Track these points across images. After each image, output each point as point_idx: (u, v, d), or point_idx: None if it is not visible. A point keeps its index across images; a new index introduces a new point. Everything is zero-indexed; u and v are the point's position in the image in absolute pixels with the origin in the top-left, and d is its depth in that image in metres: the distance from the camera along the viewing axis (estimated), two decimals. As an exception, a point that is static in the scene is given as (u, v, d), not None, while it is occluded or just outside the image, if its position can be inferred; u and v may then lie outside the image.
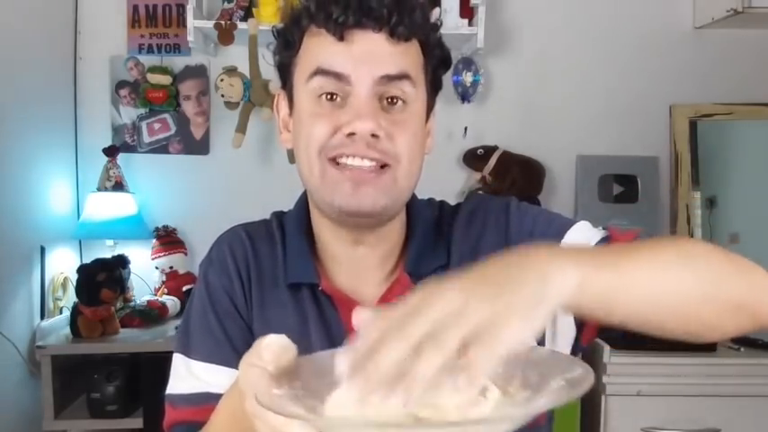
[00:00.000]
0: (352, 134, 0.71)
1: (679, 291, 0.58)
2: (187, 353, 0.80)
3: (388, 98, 0.73)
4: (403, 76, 0.72)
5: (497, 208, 0.83)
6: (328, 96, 0.73)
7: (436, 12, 2.02)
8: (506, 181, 2.22)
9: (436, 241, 0.82)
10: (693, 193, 2.25)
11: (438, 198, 0.90)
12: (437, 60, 0.79)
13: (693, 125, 2.28)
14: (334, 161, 0.73)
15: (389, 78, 0.72)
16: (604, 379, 1.73)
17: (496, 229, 0.81)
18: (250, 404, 0.52)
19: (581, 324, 0.76)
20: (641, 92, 2.30)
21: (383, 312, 0.48)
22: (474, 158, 2.25)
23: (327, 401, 0.51)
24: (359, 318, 0.50)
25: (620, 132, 2.31)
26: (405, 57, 0.73)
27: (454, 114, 2.25)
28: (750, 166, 2.27)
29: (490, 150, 2.24)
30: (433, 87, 0.80)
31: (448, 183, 2.28)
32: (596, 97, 2.31)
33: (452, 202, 0.90)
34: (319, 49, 0.73)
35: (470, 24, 2.11)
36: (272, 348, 0.53)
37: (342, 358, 0.49)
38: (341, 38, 0.71)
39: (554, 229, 0.79)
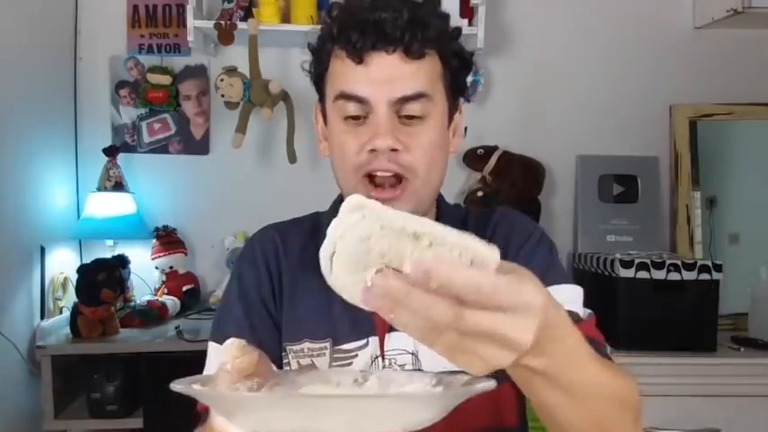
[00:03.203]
0: (374, 150, 0.79)
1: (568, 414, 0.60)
2: (217, 340, 0.86)
3: (405, 115, 0.80)
4: (419, 96, 0.79)
5: (522, 229, 0.89)
6: (352, 118, 0.81)
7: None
8: (506, 181, 2.22)
9: None
10: (693, 193, 2.25)
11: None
12: (457, 66, 0.85)
13: (693, 125, 2.28)
14: (367, 177, 0.81)
15: (405, 99, 0.79)
16: (604, 379, 1.73)
17: (513, 249, 0.86)
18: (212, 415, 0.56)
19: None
20: (641, 92, 2.30)
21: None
22: (474, 158, 2.25)
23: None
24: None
25: (620, 132, 2.31)
26: (420, 75, 0.79)
27: (454, 114, 2.25)
28: (750, 166, 2.27)
29: (490, 150, 2.24)
30: (455, 90, 0.86)
31: (448, 183, 2.24)
32: (596, 97, 2.31)
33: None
34: (342, 73, 0.81)
35: (470, 24, 2.11)
36: (230, 350, 0.56)
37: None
38: (360, 61, 0.79)
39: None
